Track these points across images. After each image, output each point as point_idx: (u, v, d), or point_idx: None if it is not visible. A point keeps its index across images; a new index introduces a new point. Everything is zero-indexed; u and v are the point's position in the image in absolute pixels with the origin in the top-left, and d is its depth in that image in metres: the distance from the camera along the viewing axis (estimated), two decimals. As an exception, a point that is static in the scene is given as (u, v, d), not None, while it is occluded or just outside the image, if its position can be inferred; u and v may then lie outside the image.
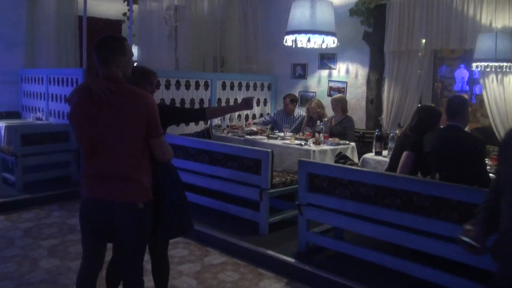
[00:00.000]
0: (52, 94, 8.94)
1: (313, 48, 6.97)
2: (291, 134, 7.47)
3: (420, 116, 5.07)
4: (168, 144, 3.28)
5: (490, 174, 5.03)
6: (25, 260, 5.24)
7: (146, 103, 3.07)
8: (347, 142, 6.95)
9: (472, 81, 8.35)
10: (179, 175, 3.93)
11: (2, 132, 8.43)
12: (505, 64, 5.95)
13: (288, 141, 6.86)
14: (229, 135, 7.63)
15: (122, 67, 3.15)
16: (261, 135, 7.42)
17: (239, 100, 8.70)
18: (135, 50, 8.32)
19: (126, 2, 9.24)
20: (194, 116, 4.32)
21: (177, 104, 7.92)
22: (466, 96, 7.11)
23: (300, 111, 8.51)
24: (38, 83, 9.43)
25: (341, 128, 7.40)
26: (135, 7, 8.09)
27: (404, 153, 4.96)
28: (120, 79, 3.12)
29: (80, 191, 3.31)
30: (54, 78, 8.83)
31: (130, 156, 3.08)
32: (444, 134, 4.69)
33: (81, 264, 3.43)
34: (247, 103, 4.21)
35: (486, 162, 5.43)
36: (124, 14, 9.85)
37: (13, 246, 5.65)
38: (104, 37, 3.20)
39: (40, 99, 9.39)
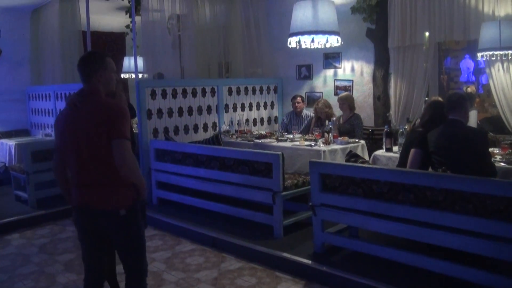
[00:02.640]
0: (60, 110, 8.97)
1: (317, 48, 6.96)
2: (300, 135, 7.46)
3: (433, 112, 5.05)
4: (131, 154, 3.16)
5: (502, 164, 5.03)
6: (42, 276, 5.26)
7: (111, 108, 3.18)
8: (357, 140, 6.93)
9: (478, 71, 8.33)
10: None
11: (13, 150, 8.48)
12: (510, 52, 5.89)
13: (297, 143, 6.84)
14: (238, 140, 7.63)
15: (104, 81, 3.32)
16: (270, 138, 7.41)
17: (246, 105, 8.74)
18: (140, 61, 8.35)
19: (128, 15, 9.28)
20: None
21: (185, 112, 7.94)
22: (472, 89, 7.10)
23: (307, 112, 8.52)
24: (46, 100, 9.47)
25: (349, 126, 7.39)
26: (137, 18, 8.11)
27: (412, 150, 4.95)
28: (97, 92, 3.27)
29: None
30: (61, 94, 8.87)
31: (106, 164, 3.15)
32: (445, 131, 4.70)
33: (83, 280, 3.53)
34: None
35: (496, 151, 5.45)
36: (127, 26, 9.89)
37: (29, 263, 5.67)
38: (86, 54, 3.40)
39: (49, 115, 9.43)
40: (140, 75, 8.37)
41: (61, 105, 8.85)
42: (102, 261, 3.50)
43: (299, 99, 8.47)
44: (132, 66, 8.53)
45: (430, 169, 4.85)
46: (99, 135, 3.11)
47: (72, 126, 3.23)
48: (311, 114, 8.31)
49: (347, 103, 7.51)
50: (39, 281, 5.12)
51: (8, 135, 9.81)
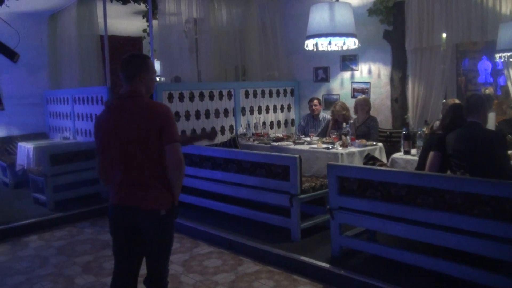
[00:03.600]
0: (78, 113, 9.06)
1: (333, 50, 6.94)
2: (317, 138, 7.43)
3: (454, 115, 4.98)
4: (182, 156, 3.38)
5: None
6: (60, 278, 5.30)
7: (159, 112, 3.30)
8: (375, 143, 6.89)
9: (496, 72, 8.25)
10: None
11: (31, 153, 8.55)
12: (528, 53, 5.84)
13: (315, 146, 6.83)
14: (255, 143, 7.63)
15: (146, 83, 3.43)
16: (287, 141, 7.40)
17: (263, 108, 8.74)
18: (157, 64, 8.39)
19: (145, 19, 9.33)
20: None
21: (202, 116, 7.97)
22: (490, 91, 7.02)
23: (324, 114, 8.49)
24: (64, 103, 9.56)
25: (366, 128, 7.35)
26: (154, 22, 8.14)
27: (431, 153, 4.91)
28: (140, 93, 3.38)
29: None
30: (79, 98, 8.94)
31: (151, 165, 3.31)
32: (463, 134, 4.65)
33: (113, 272, 3.63)
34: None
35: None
36: (144, 30, 9.95)
37: (47, 264, 5.72)
38: (129, 56, 3.48)
39: (66, 118, 9.52)
40: (157, 79, 8.40)
41: (79, 108, 8.93)
42: (132, 257, 3.59)
43: (316, 101, 8.45)
44: (149, 70, 8.55)
45: (448, 172, 4.82)
46: (148, 137, 3.26)
47: (117, 128, 3.34)
48: (328, 116, 8.29)
49: (368, 106, 7.48)
50: (58, 283, 5.15)
51: (26, 138, 9.93)
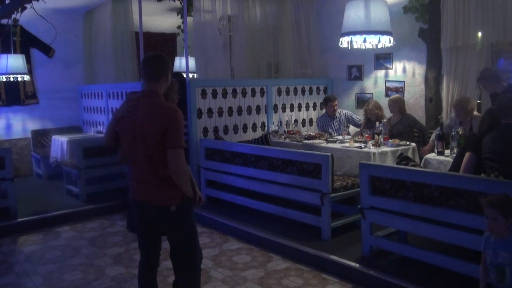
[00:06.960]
0: (112, 108, 9.15)
1: (368, 48, 6.86)
2: (349, 137, 7.37)
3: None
4: (184, 162, 3.35)
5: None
6: (91, 268, 5.38)
7: (167, 115, 3.32)
8: (408, 142, 6.80)
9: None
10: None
11: (65, 146, 8.68)
12: None
13: (347, 144, 6.78)
14: (287, 140, 7.62)
15: (167, 83, 3.55)
16: (319, 139, 7.36)
17: (295, 105, 8.71)
18: (191, 61, 8.42)
19: (180, 15, 9.37)
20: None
21: (235, 112, 7.98)
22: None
23: (339, 110, 8.46)
24: (98, 98, 9.67)
25: (402, 127, 7.27)
26: (189, 19, 8.18)
27: (466, 154, 4.80)
28: (158, 94, 3.46)
29: None
30: (113, 93, 9.03)
31: (160, 162, 3.33)
32: (497, 136, 4.53)
33: (138, 263, 3.77)
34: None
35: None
36: (179, 27, 10.01)
37: (78, 255, 5.82)
38: (155, 56, 3.54)
39: (101, 113, 9.63)
40: (190, 75, 8.44)
41: (113, 103, 9.03)
42: (154, 248, 3.71)
43: (336, 101, 8.38)
44: (183, 66, 8.62)
45: (482, 175, 4.72)
46: (154, 138, 3.30)
47: (131, 125, 3.42)
48: (345, 111, 8.30)
49: (398, 105, 7.39)
50: (88, 273, 5.24)
51: (60, 131, 10.10)
